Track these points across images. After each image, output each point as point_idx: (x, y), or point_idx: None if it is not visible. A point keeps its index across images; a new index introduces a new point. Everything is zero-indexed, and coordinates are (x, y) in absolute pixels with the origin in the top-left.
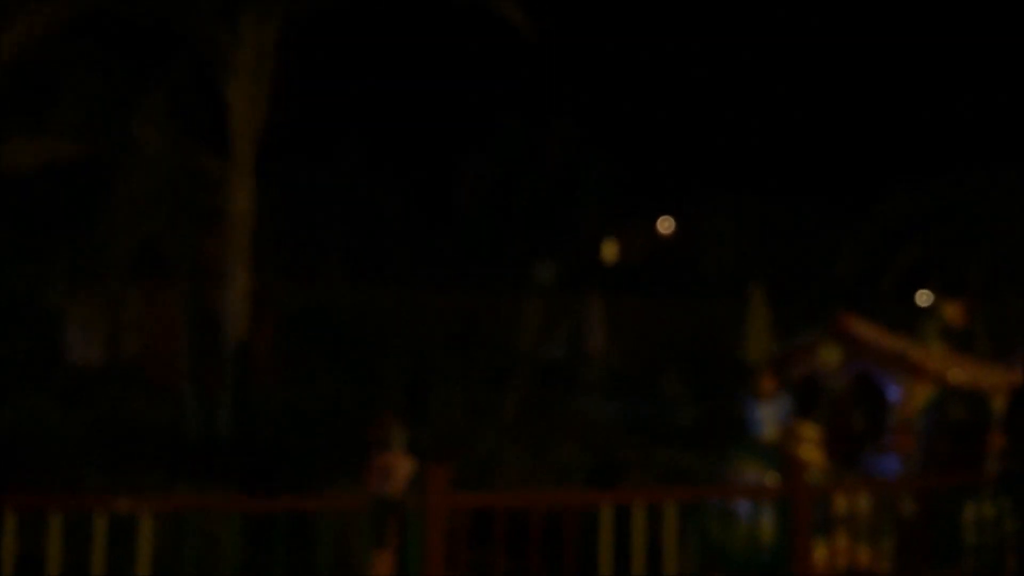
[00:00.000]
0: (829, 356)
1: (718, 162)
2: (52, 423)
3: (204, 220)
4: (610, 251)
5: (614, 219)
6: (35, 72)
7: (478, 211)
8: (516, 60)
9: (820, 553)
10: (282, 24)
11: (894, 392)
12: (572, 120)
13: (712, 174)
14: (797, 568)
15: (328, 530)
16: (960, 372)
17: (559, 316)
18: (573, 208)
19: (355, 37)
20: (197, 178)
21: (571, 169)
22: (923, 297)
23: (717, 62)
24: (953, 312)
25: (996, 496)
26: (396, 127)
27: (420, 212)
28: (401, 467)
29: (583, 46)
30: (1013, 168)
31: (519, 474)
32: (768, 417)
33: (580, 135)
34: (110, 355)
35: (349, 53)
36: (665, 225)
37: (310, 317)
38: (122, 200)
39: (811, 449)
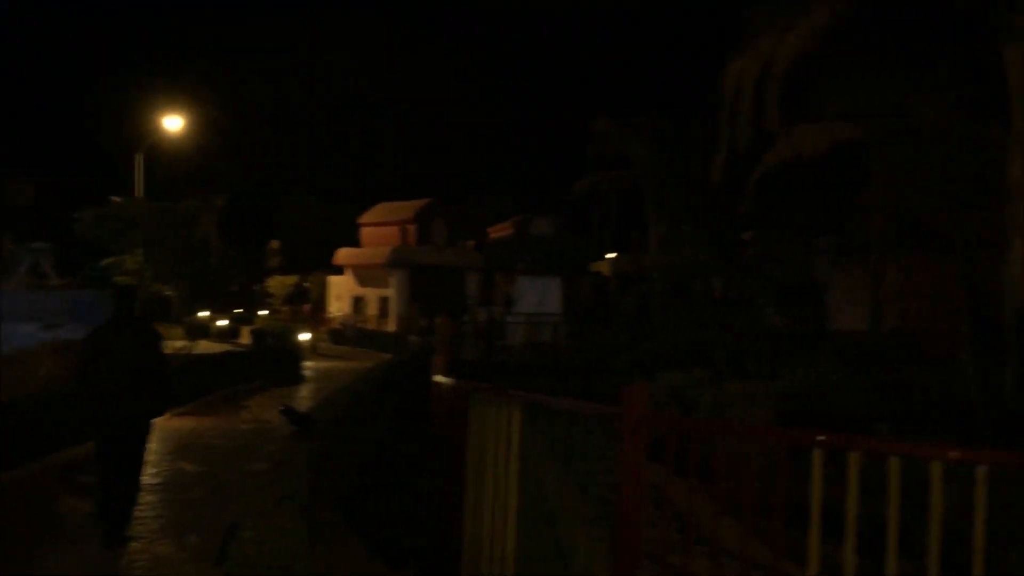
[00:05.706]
0: None
1: None
2: (833, 383)
3: (973, 192)
4: None
5: None
6: (817, 61)
7: None
8: None
9: None
10: None
11: None
12: None
13: None
14: None
15: None
16: None
17: None
18: None
19: None
20: (967, 149)
21: None
22: None
23: None
24: None
25: None
26: None
27: None
28: None
29: None
30: None
31: None
32: None
33: None
34: (872, 324)
35: None
36: None
37: None
38: (885, 178)
39: None
